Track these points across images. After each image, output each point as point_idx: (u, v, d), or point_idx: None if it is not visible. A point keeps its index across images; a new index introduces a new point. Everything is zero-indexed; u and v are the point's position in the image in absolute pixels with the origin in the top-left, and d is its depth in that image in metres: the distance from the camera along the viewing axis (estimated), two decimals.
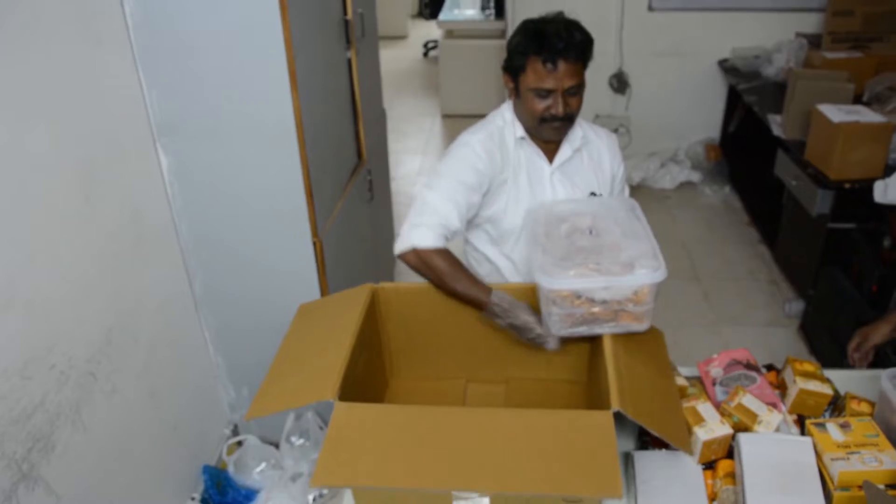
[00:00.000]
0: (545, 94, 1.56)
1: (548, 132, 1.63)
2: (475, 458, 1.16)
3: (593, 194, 1.74)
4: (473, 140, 1.65)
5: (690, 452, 1.34)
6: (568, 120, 1.61)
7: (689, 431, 1.35)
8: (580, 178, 1.73)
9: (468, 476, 1.14)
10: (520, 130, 1.66)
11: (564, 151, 1.70)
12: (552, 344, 1.47)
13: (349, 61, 2.40)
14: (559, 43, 1.51)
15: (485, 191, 1.64)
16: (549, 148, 1.70)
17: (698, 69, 4.40)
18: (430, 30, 7.83)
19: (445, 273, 1.53)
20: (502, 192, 1.67)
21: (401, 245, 1.58)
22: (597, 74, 4.43)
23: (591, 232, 1.47)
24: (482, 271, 1.80)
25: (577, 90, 1.58)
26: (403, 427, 1.23)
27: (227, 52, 1.83)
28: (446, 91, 5.82)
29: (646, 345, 1.47)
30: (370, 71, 2.73)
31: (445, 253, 1.56)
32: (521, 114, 1.64)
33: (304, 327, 1.54)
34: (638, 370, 1.35)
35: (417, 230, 1.56)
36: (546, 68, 1.53)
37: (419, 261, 1.56)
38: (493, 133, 1.67)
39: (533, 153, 1.69)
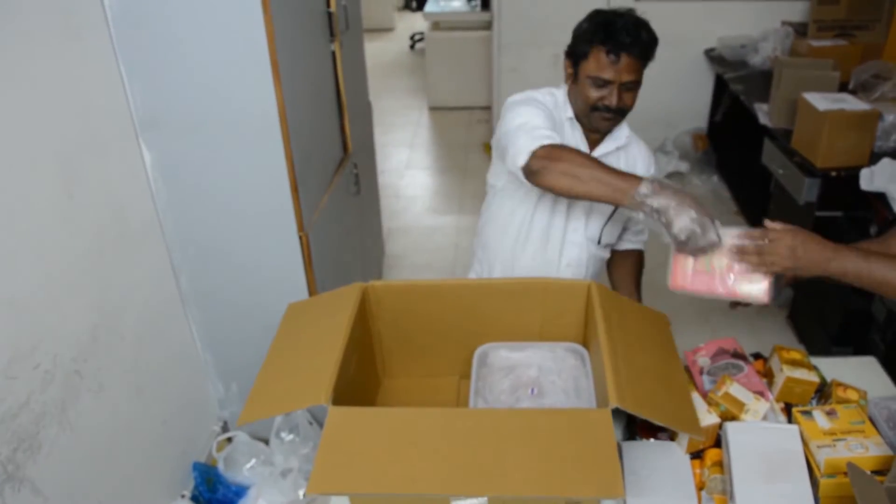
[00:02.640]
0: (602, 83, 1.59)
1: (597, 121, 1.67)
2: (472, 461, 1.15)
3: None
4: (533, 95, 1.69)
5: (702, 435, 1.32)
6: (619, 113, 1.65)
7: None
8: None
9: (466, 479, 1.13)
10: (569, 112, 1.70)
11: (607, 145, 1.74)
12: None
13: (333, 54, 2.38)
14: (626, 38, 1.54)
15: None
16: (593, 139, 1.73)
17: (685, 59, 4.40)
18: (416, 22, 7.80)
19: (581, 161, 1.42)
20: None
21: (524, 153, 1.47)
22: None
23: (533, 392, 1.43)
24: (507, 240, 1.82)
25: (634, 86, 1.61)
26: (399, 430, 1.22)
27: (209, 45, 1.81)
28: (433, 83, 5.80)
29: (648, 332, 1.46)
30: (355, 64, 2.72)
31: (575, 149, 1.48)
32: (576, 99, 1.68)
33: (294, 328, 1.52)
34: (638, 360, 1.34)
35: (539, 137, 1.49)
36: (609, 59, 1.56)
37: (552, 155, 1.44)
38: (548, 101, 1.70)
39: (578, 136, 1.72)
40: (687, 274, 1.37)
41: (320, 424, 2.30)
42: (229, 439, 2.35)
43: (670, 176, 4.52)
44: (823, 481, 1.25)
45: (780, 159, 3.06)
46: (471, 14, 5.69)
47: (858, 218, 2.69)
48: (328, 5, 2.30)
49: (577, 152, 1.46)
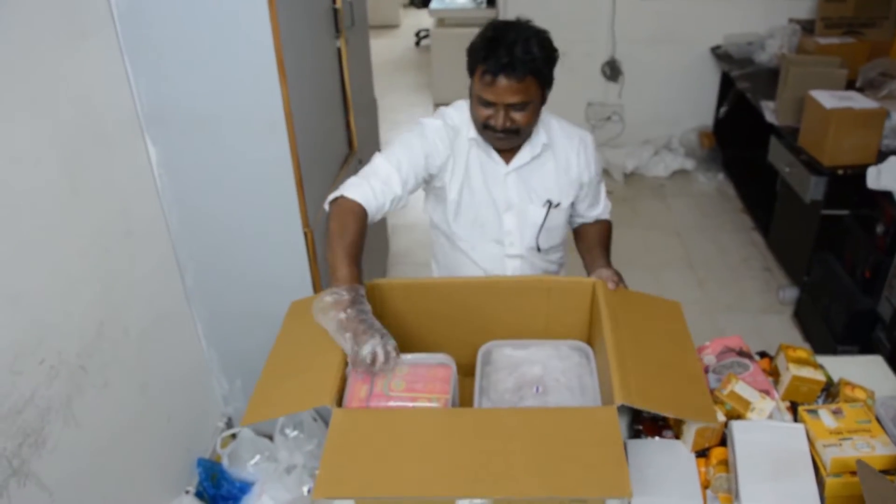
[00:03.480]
0: (487, 104, 1.53)
1: (491, 140, 1.62)
2: (477, 462, 1.14)
3: (549, 202, 1.71)
4: (429, 123, 1.66)
5: (715, 422, 1.31)
6: (512, 133, 1.57)
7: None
8: (538, 183, 1.71)
9: (471, 481, 1.12)
10: (472, 131, 1.65)
11: (522, 156, 1.67)
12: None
13: (339, 51, 2.38)
14: (504, 57, 1.46)
15: (433, 171, 1.66)
16: (507, 151, 1.67)
17: (691, 56, 4.39)
18: (421, 18, 7.79)
19: (334, 233, 1.49)
20: (454, 182, 1.67)
21: (334, 192, 1.57)
22: (589, 62, 4.41)
23: (537, 390, 1.41)
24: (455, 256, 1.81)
25: (523, 107, 1.53)
26: (404, 431, 1.21)
27: (215, 41, 1.80)
28: (438, 80, 5.78)
29: (658, 323, 1.45)
30: (360, 60, 2.72)
31: (355, 216, 1.51)
32: (472, 116, 1.63)
33: (297, 326, 1.51)
34: (646, 354, 1.33)
35: (349, 182, 1.58)
36: (485, 81, 1.50)
37: (334, 208, 1.54)
38: (448, 125, 1.66)
39: (484, 156, 1.67)
40: (361, 398, 1.31)
41: (325, 421, 2.30)
42: (234, 435, 2.35)
43: (676, 173, 4.51)
44: (829, 480, 1.24)
45: (787, 157, 3.05)
46: (476, 10, 5.68)
47: (865, 217, 2.68)
48: (334, 2, 2.30)
49: (341, 222, 1.50)
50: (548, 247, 1.79)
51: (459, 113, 1.68)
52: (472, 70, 1.55)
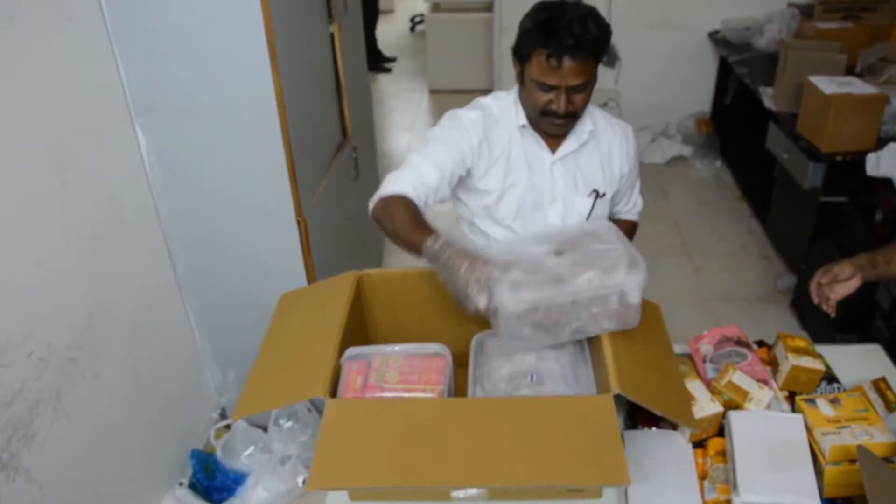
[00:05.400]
0: (548, 88, 1.48)
1: (548, 126, 1.56)
2: (473, 451, 1.13)
3: (595, 192, 1.68)
4: (465, 115, 1.61)
5: (697, 427, 1.30)
6: (570, 117, 1.54)
7: None
8: (584, 173, 1.67)
9: (466, 470, 1.11)
10: (522, 118, 1.60)
11: (569, 144, 1.63)
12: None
13: (332, 36, 2.35)
14: (568, 39, 1.40)
15: (469, 167, 1.60)
16: (553, 141, 1.63)
17: (689, 42, 4.35)
18: (416, 3, 7.72)
19: (395, 216, 1.45)
20: (494, 175, 1.62)
21: (373, 198, 1.52)
22: None
23: (532, 378, 1.38)
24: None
25: (584, 87, 1.50)
26: (398, 422, 1.20)
27: (205, 28, 1.77)
28: (434, 66, 5.75)
29: (643, 321, 1.44)
30: (354, 46, 2.68)
31: (407, 201, 1.48)
32: (524, 102, 1.58)
33: (287, 319, 1.50)
34: (635, 349, 1.32)
35: (390, 181, 1.52)
36: (550, 64, 1.44)
37: (381, 208, 1.49)
38: (487, 115, 1.61)
39: (532, 143, 1.62)
40: (356, 390, 1.29)
41: (319, 412, 2.29)
42: (227, 426, 2.34)
43: (673, 160, 4.48)
44: (828, 469, 1.23)
45: (785, 143, 3.02)
46: None
47: (864, 203, 2.66)
48: None
49: (394, 206, 1.46)
50: None
51: (499, 102, 1.63)
52: (525, 56, 1.48)
